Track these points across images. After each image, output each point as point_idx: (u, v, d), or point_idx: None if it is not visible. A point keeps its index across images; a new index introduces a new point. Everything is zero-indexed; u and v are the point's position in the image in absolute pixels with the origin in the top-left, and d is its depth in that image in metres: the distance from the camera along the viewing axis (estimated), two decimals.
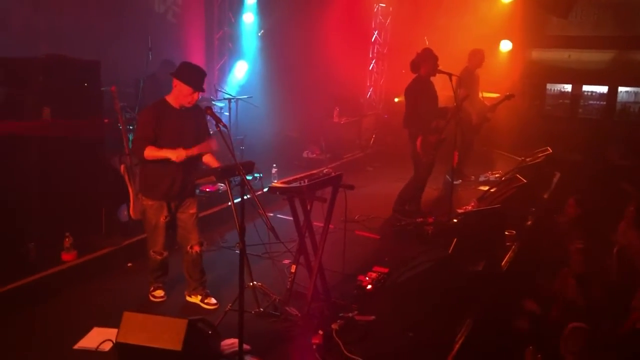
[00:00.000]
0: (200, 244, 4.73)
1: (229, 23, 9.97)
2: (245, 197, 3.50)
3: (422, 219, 6.80)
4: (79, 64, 5.51)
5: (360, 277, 5.09)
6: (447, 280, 4.93)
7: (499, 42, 11.14)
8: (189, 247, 4.68)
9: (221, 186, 7.18)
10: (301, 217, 4.56)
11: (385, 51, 12.53)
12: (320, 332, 4.07)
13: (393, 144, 10.88)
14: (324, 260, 4.71)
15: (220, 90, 8.94)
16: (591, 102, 12.41)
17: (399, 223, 6.86)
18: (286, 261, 5.54)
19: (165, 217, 4.60)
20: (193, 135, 4.49)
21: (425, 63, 6.66)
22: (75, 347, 4.00)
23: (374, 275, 5.14)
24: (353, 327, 4.33)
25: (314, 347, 4.01)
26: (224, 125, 3.92)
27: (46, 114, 5.14)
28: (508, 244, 5.97)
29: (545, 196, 7.76)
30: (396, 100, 11.71)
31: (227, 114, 8.47)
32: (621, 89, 12.00)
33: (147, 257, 4.79)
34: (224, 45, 9.98)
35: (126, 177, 5.69)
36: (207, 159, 4.53)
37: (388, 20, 12.37)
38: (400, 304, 4.84)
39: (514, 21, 10.96)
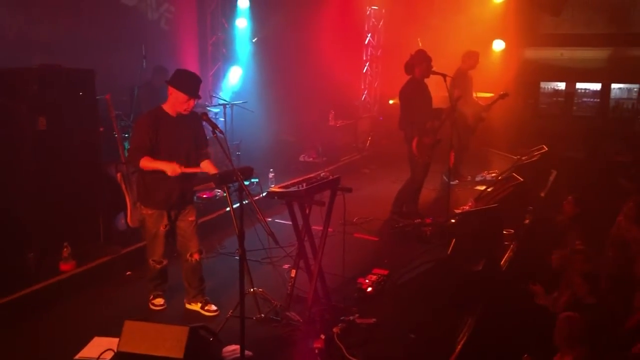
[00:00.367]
0: (200, 252, 4.71)
1: (222, 29, 9.97)
2: (243, 203, 3.49)
3: (420, 220, 6.81)
4: (73, 73, 5.50)
5: (360, 280, 5.09)
6: (447, 281, 4.93)
7: (492, 41, 11.17)
8: (188, 255, 4.66)
9: (218, 192, 7.18)
10: (300, 221, 4.56)
11: (378, 53, 12.56)
12: (322, 336, 4.06)
13: (389, 146, 10.90)
14: (324, 263, 4.70)
15: (214, 96, 8.94)
16: (585, 99, 12.47)
17: (397, 225, 6.86)
18: (286, 266, 5.54)
19: (165, 226, 4.57)
20: (191, 143, 4.48)
21: (419, 64, 6.68)
22: (76, 357, 3.98)
23: (373, 277, 5.13)
24: (354, 331, 4.33)
25: (316, 351, 4.01)
26: (221, 132, 3.92)
27: (42, 123, 5.13)
28: (506, 243, 5.98)
29: (542, 194, 7.78)
30: (391, 102, 11.73)
31: (223, 119, 8.47)
32: (614, 85, 12.07)
33: (146, 265, 4.77)
34: (217, 51, 9.98)
35: (123, 186, 5.68)
36: (206, 165, 4.50)
37: (381, 23, 12.40)
38: (400, 306, 4.84)
39: (506, 20, 11.02)
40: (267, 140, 9.68)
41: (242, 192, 3.49)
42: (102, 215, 5.73)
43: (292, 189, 4.38)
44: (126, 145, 6.72)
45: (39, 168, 5.22)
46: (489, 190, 7.27)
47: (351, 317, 4.44)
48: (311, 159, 9.75)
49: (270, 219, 6.50)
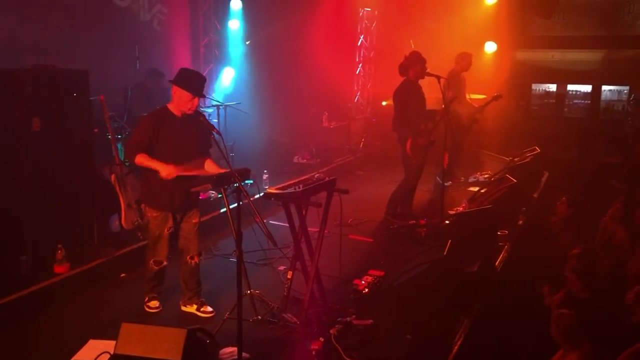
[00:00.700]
0: (200, 255, 4.69)
1: (215, 30, 9.93)
2: (241, 204, 3.49)
3: (414, 221, 6.81)
4: (67, 74, 5.46)
5: (356, 281, 5.08)
6: (443, 282, 4.94)
7: (484, 43, 11.23)
8: (188, 258, 4.63)
9: (212, 194, 7.16)
10: (296, 223, 4.55)
11: (371, 55, 12.58)
12: (320, 338, 4.06)
13: (382, 148, 10.92)
14: (319, 265, 4.70)
15: (208, 97, 8.91)
16: (576, 101, 12.57)
17: (392, 226, 6.87)
18: (281, 267, 5.53)
19: (169, 229, 4.52)
20: (195, 144, 4.42)
21: (414, 66, 6.69)
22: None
23: (369, 278, 5.13)
24: (351, 332, 4.32)
25: (313, 353, 4.00)
26: (218, 132, 3.92)
27: (35, 124, 5.08)
28: (501, 243, 6.01)
29: (535, 195, 7.83)
30: (384, 103, 11.75)
31: (216, 120, 8.45)
32: (605, 87, 12.17)
33: (145, 266, 4.70)
34: (210, 52, 9.94)
35: (117, 187, 5.66)
36: (209, 166, 4.44)
37: (374, 24, 12.42)
38: (397, 307, 4.84)
39: (498, 22, 11.08)
40: (261, 142, 9.67)
41: (239, 194, 3.48)
42: (96, 217, 5.69)
43: (289, 190, 4.37)
44: (119, 146, 6.70)
45: (32, 169, 5.17)
46: (482, 191, 7.30)
47: (348, 319, 4.44)
48: (305, 160, 9.75)
49: (264, 221, 6.47)
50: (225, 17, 10.00)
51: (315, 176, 4.83)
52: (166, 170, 4.18)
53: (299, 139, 10.17)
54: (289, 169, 9.22)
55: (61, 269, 5.07)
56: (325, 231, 4.69)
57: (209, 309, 4.69)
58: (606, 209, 5.93)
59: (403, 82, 6.82)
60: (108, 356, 3.81)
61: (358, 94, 12.46)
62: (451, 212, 6.90)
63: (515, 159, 8.61)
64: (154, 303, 4.76)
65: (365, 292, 4.96)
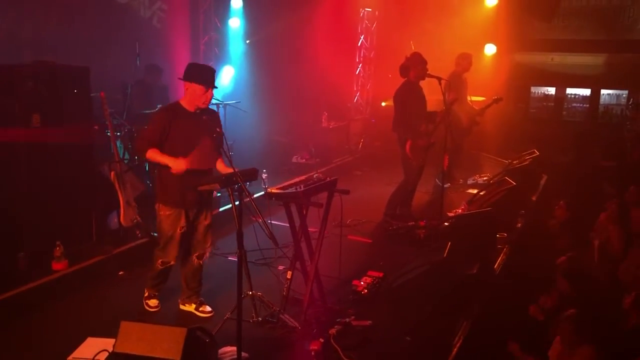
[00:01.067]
0: (204, 256, 4.68)
1: (215, 28, 9.91)
2: (242, 204, 3.48)
3: (413, 223, 6.81)
4: (68, 70, 5.45)
5: (355, 282, 5.08)
6: (442, 284, 4.93)
7: (484, 45, 11.23)
8: (195, 257, 4.61)
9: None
10: (297, 223, 4.54)
11: (371, 55, 12.57)
12: (319, 339, 4.05)
13: (381, 148, 10.92)
14: (319, 265, 4.69)
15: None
16: (574, 104, 12.58)
17: (391, 227, 6.86)
18: (280, 267, 5.52)
19: (182, 228, 4.44)
20: (209, 140, 4.28)
21: (415, 67, 6.69)
22: (70, 357, 3.92)
23: (368, 279, 5.13)
24: (350, 333, 4.32)
25: (312, 353, 4.00)
26: (220, 131, 3.92)
27: (35, 120, 5.07)
28: (499, 246, 6.01)
29: (534, 198, 7.83)
30: (383, 104, 11.75)
31: None
32: (604, 91, 12.19)
33: (152, 263, 4.62)
34: (210, 51, 9.91)
35: (116, 184, 5.64)
36: (219, 165, 4.41)
37: (374, 25, 12.41)
38: (396, 308, 4.83)
39: (498, 25, 11.08)
40: (260, 141, 9.66)
41: (242, 194, 3.47)
42: (95, 214, 5.68)
43: (290, 190, 4.36)
44: (119, 143, 6.69)
45: (31, 166, 5.15)
46: (481, 193, 7.31)
47: (347, 319, 4.44)
48: (304, 160, 9.73)
49: (266, 220, 6.46)
50: (225, 15, 9.99)
51: (315, 176, 4.83)
52: (176, 165, 4.15)
53: (298, 139, 10.16)
54: (288, 169, 9.22)
55: (59, 266, 5.05)
56: (325, 232, 4.69)
57: (208, 308, 4.68)
58: (603, 212, 5.96)
59: (404, 83, 6.81)
60: (106, 354, 3.81)
61: (357, 94, 12.46)
62: (450, 214, 6.89)
63: (514, 162, 8.62)
64: (154, 302, 4.74)
65: (365, 293, 4.96)
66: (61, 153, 5.32)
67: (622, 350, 3.72)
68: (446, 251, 4.92)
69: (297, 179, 4.75)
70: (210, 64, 9.82)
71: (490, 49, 11.30)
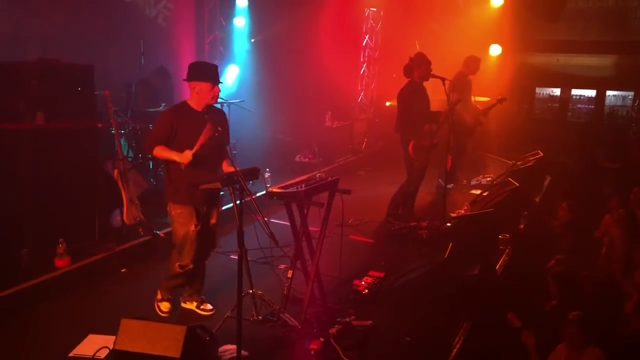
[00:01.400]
0: (208, 255, 4.69)
1: (220, 27, 9.94)
2: (242, 203, 3.49)
3: (415, 223, 6.80)
4: (72, 68, 5.47)
5: (356, 282, 5.09)
6: (443, 284, 4.94)
7: (489, 46, 11.21)
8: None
9: None
10: (298, 222, 4.55)
11: (376, 55, 12.56)
12: (320, 338, 4.06)
13: (385, 148, 10.91)
14: (319, 265, 4.70)
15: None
16: (579, 105, 12.54)
17: (393, 227, 6.86)
18: (282, 266, 5.54)
19: (196, 226, 4.37)
20: (215, 139, 4.27)
21: (419, 67, 6.68)
22: (71, 354, 3.94)
23: (369, 279, 5.13)
24: (350, 332, 4.32)
25: (312, 352, 4.00)
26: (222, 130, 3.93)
27: (40, 118, 5.09)
28: (502, 247, 6.00)
29: (537, 199, 7.81)
30: (388, 104, 11.74)
31: None
32: (609, 92, 12.14)
33: (169, 265, 4.56)
34: (215, 50, 9.94)
35: (119, 182, 5.67)
36: (224, 164, 4.42)
37: (379, 25, 12.40)
38: (397, 308, 4.84)
39: (503, 25, 11.06)
40: (264, 140, 9.68)
41: (242, 192, 3.48)
42: (98, 211, 5.70)
43: (291, 189, 4.37)
44: (122, 141, 6.72)
45: (35, 163, 5.18)
46: (484, 194, 7.28)
47: (347, 319, 4.44)
48: (307, 159, 9.74)
49: (266, 219, 6.47)
50: (230, 14, 10.01)
51: (317, 175, 4.83)
52: (182, 157, 4.13)
53: (301, 138, 10.17)
54: (291, 168, 9.23)
55: (62, 262, 5.08)
56: (327, 231, 4.69)
57: (209, 306, 4.69)
58: (605, 214, 5.95)
59: (407, 83, 6.80)
60: (107, 351, 3.84)
61: (362, 94, 12.45)
62: (453, 215, 6.88)
63: (518, 163, 8.59)
64: (166, 305, 4.64)
65: (365, 293, 4.96)
66: (65, 150, 5.34)
67: (624, 355, 3.72)
68: (447, 252, 4.91)
69: (298, 178, 4.75)
70: (215, 62, 9.83)
71: (495, 50, 11.27)
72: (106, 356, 3.85)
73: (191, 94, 4.33)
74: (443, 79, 6.43)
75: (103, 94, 5.68)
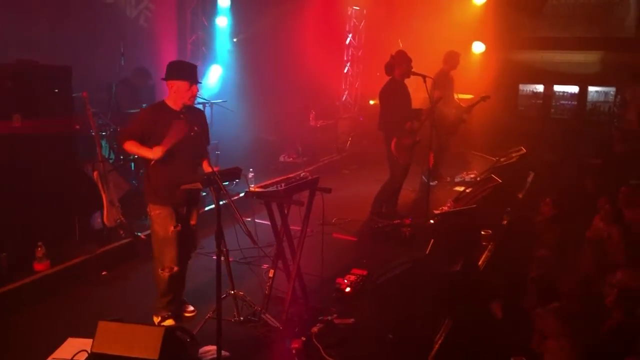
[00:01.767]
0: (189, 257, 4.65)
1: (202, 27, 9.87)
2: (222, 203, 3.47)
3: (399, 221, 6.82)
4: (49, 69, 5.42)
5: (339, 280, 5.08)
6: (425, 281, 4.94)
7: (472, 43, 11.25)
8: None
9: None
10: (278, 222, 4.53)
11: (359, 54, 12.57)
12: (301, 337, 4.05)
13: (369, 147, 10.92)
14: (302, 264, 4.69)
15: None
16: (563, 102, 12.61)
17: (377, 225, 6.86)
18: (264, 266, 5.51)
19: (176, 227, 4.32)
20: (192, 139, 4.21)
21: (399, 65, 6.70)
22: (50, 358, 3.91)
23: (352, 277, 5.14)
24: (332, 331, 4.32)
25: (294, 352, 4.00)
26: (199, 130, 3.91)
27: (16, 120, 5.03)
28: (484, 243, 6.02)
29: (520, 196, 7.85)
30: (371, 102, 11.75)
31: None
32: (591, 88, 12.22)
33: (155, 279, 4.46)
34: (197, 50, 9.87)
35: (99, 184, 5.62)
36: (204, 165, 4.38)
37: (362, 23, 12.42)
38: (379, 306, 4.83)
39: (486, 23, 11.11)
40: (247, 140, 9.63)
41: (219, 193, 3.46)
42: (77, 214, 5.64)
43: (271, 188, 4.36)
44: (103, 143, 6.66)
45: (12, 165, 5.11)
46: (467, 191, 7.32)
47: (329, 318, 4.44)
48: (291, 159, 9.73)
49: (249, 219, 6.42)
50: (213, 14, 9.94)
51: (301, 175, 4.82)
52: (153, 152, 4.10)
53: (285, 138, 10.15)
54: (275, 168, 9.20)
55: (41, 266, 5.03)
56: (310, 230, 4.69)
57: (190, 307, 4.66)
58: (589, 210, 5.98)
59: (389, 81, 6.82)
60: (86, 354, 3.80)
61: (346, 92, 12.46)
62: (436, 212, 6.90)
63: (501, 159, 8.64)
64: (170, 322, 4.45)
65: (348, 291, 4.96)
66: (43, 153, 5.29)
67: (604, 349, 3.74)
68: (428, 248, 4.92)
69: (279, 178, 4.72)
70: (198, 63, 9.81)
71: (478, 47, 11.32)
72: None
73: (169, 93, 4.30)
74: (424, 77, 6.44)
75: (81, 95, 5.62)
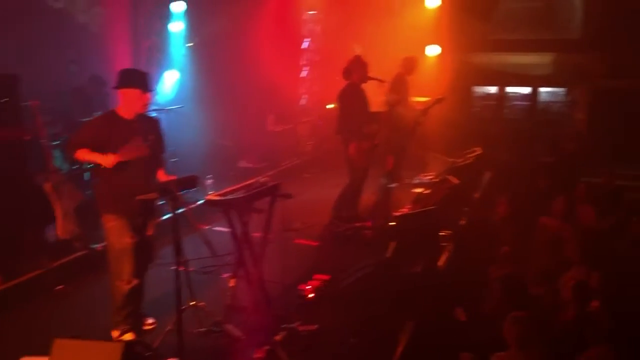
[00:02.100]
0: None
1: (157, 32, 9.71)
2: (175, 213, 3.42)
3: (360, 224, 6.85)
4: None
5: (302, 287, 5.07)
6: (387, 284, 4.98)
7: (426, 46, 11.40)
8: None
9: None
10: (238, 230, 4.49)
11: (317, 58, 12.58)
12: (265, 346, 4.01)
13: (330, 150, 10.92)
14: (265, 271, 4.66)
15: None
16: (515, 102, 12.92)
17: (338, 229, 6.87)
18: (225, 275, 5.44)
19: (132, 238, 4.21)
20: (150, 149, 4.15)
21: (357, 70, 6.74)
22: None
23: (315, 283, 5.13)
24: (296, 338, 4.31)
25: None
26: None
27: None
28: (444, 244, 6.10)
29: (477, 195, 7.99)
30: (329, 107, 11.76)
31: None
32: (542, 89, 12.57)
33: (112, 291, 4.34)
34: (152, 55, 9.70)
35: (52, 196, 5.45)
36: (160, 174, 4.31)
37: (319, 28, 12.43)
38: (342, 311, 4.84)
39: (440, 26, 11.28)
40: (205, 146, 9.50)
41: (176, 202, 3.40)
42: (30, 227, 5.46)
43: (230, 196, 4.31)
44: (57, 153, 6.46)
45: None
46: (426, 192, 7.40)
47: (293, 325, 4.42)
48: (251, 164, 9.65)
49: (209, 227, 6.36)
50: (168, 19, 9.80)
51: (261, 180, 4.79)
52: (105, 159, 4.00)
53: (244, 143, 10.06)
54: (235, 174, 9.10)
55: None
56: (272, 236, 4.66)
57: (150, 320, 4.57)
58: (543, 207, 6.13)
59: (347, 86, 6.85)
60: None
61: (305, 97, 12.44)
62: (396, 214, 6.95)
63: (458, 160, 8.77)
64: (130, 337, 4.32)
65: (311, 297, 4.95)
66: None
67: (565, 343, 3.82)
68: (390, 251, 4.95)
69: (239, 185, 4.69)
70: (153, 68, 9.64)
71: (432, 50, 11.48)
72: None
73: (121, 102, 4.21)
74: (380, 81, 6.50)
75: (31, 105, 5.45)
